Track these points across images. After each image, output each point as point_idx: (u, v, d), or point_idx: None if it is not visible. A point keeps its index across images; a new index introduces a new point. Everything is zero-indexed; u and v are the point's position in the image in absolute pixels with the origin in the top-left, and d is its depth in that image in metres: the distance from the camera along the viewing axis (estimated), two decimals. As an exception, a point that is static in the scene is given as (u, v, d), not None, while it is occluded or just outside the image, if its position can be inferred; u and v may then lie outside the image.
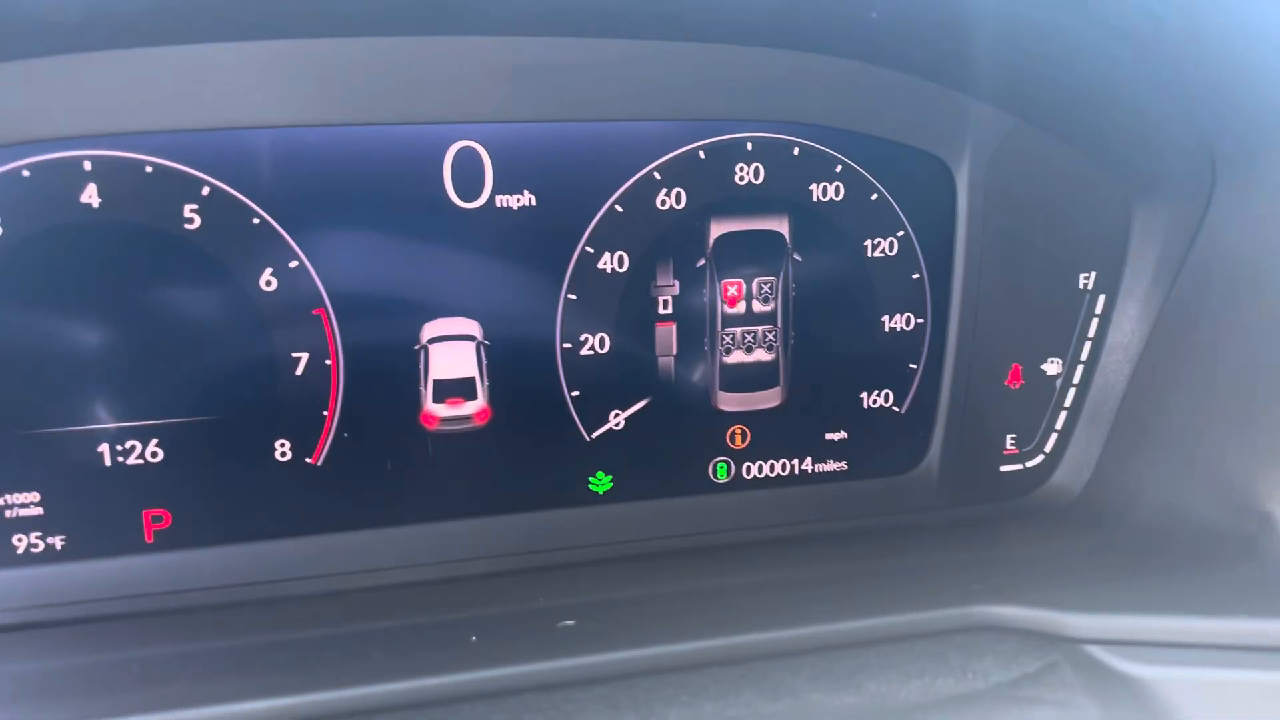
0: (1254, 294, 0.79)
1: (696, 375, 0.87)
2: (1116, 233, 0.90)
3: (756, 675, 0.66)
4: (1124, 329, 0.91)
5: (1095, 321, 0.92)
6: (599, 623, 0.70)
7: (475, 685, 0.62)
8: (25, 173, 0.72)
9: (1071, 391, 0.93)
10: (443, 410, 0.82)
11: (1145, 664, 0.66)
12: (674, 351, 0.86)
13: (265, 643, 0.70)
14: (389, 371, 0.80)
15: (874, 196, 0.87)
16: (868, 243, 0.88)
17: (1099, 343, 0.92)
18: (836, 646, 0.67)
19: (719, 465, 0.89)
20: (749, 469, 0.90)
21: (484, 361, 0.82)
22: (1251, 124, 0.76)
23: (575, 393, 0.84)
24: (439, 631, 0.71)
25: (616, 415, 0.86)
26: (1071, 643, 0.68)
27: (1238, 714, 0.65)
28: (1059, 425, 0.93)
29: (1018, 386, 0.92)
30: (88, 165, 0.73)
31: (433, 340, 0.81)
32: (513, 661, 0.64)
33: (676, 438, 0.88)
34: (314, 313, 0.78)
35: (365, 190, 0.77)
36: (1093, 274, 0.91)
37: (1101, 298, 0.91)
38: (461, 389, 0.82)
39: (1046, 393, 0.93)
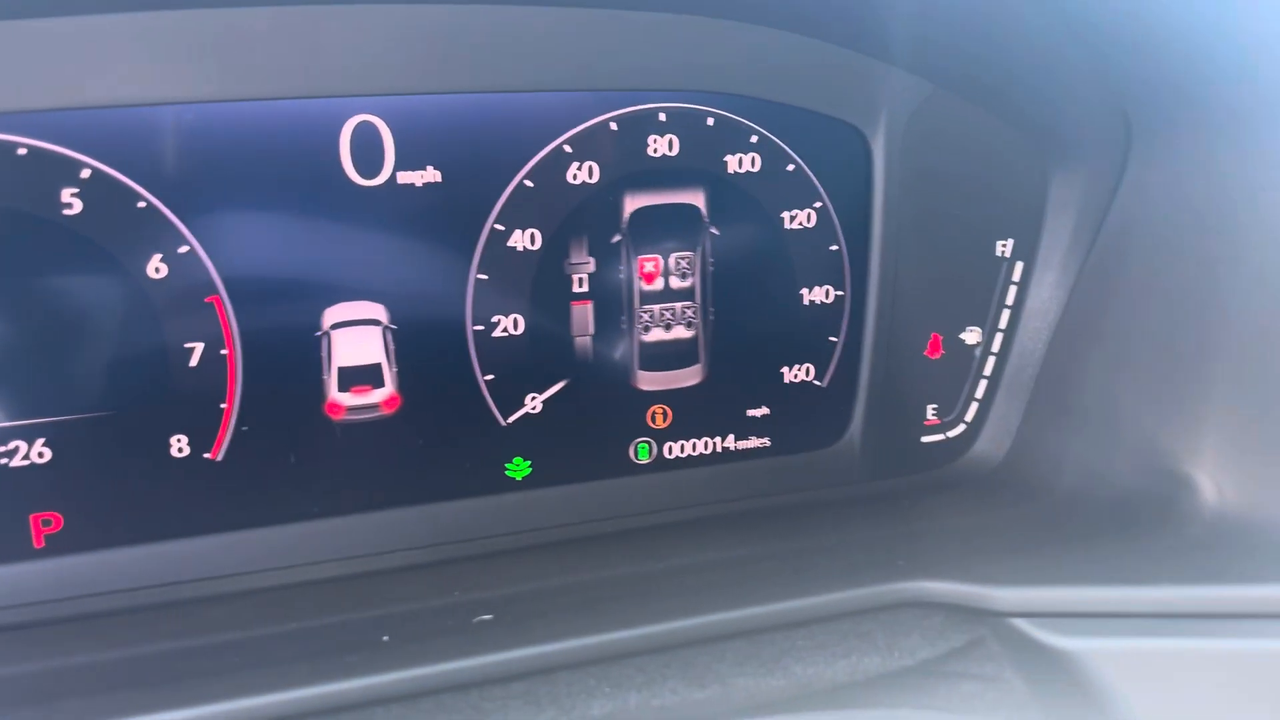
0: (1170, 257, 0.79)
1: (615, 354, 0.85)
2: (1033, 199, 0.90)
3: (681, 663, 0.64)
4: (1042, 296, 0.91)
5: (1013, 289, 0.91)
6: (517, 615, 0.68)
7: (388, 688, 0.60)
8: (-117, 157, 0.67)
9: (991, 360, 0.93)
10: (348, 399, 0.78)
11: (1070, 636, 0.66)
12: (591, 331, 0.84)
13: (164, 650, 0.67)
14: (289, 360, 0.76)
15: (790, 167, 0.85)
16: (785, 214, 0.86)
17: (1017, 310, 0.91)
18: (761, 630, 0.66)
19: (640, 446, 0.87)
20: (671, 449, 0.88)
21: (391, 347, 0.79)
22: (1165, 86, 0.76)
23: (489, 376, 0.81)
24: (349, 631, 0.68)
25: (533, 398, 0.83)
26: (997, 616, 0.68)
27: (1164, 682, 0.65)
28: (979, 394, 0.93)
29: (938, 356, 0.92)
30: (-48, 148, 0.68)
31: (335, 326, 0.77)
32: (427, 661, 0.61)
33: (596, 419, 0.85)
34: (207, 300, 0.74)
35: (257, 169, 0.73)
36: (1010, 241, 0.90)
37: (1019, 265, 0.91)
38: (367, 376, 0.78)
39: (966, 362, 0.92)
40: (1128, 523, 0.76)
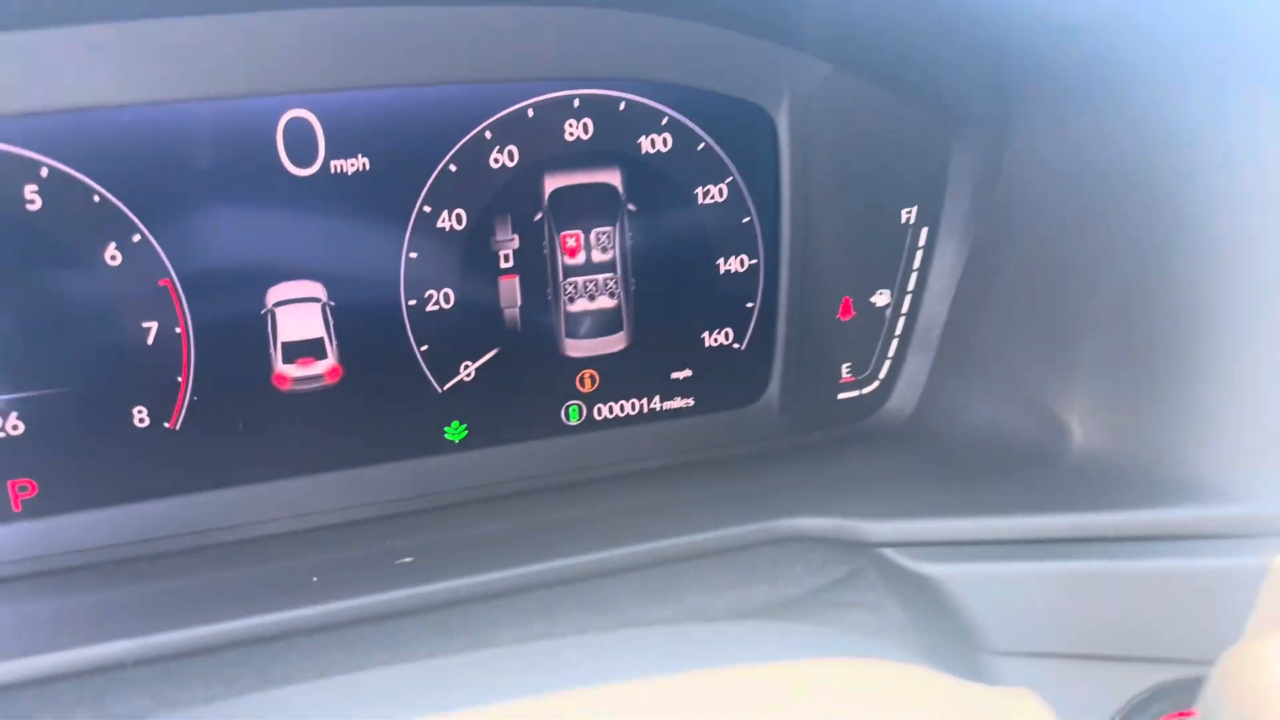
0: (1049, 222, 0.85)
1: (543, 324, 0.91)
2: (935, 168, 0.95)
3: (581, 594, 0.71)
4: (946, 259, 0.96)
5: (919, 254, 0.97)
6: (436, 559, 0.75)
7: (310, 620, 0.67)
8: None
9: (901, 320, 0.98)
10: (294, 371, 0.86)
11: (935, 563, 0.73)
12: (519, 302, 0.90)
13: (124, 596, 0.75)
14: (238, 336, 0.84)
15: (700, 146, 0.92)
16: (698, 190, 0.92)
17: (923, 273, 0.97)
18: (654, 564, 0.73)
19: (571, 408, 0.94)
20: (600, 410, 0.95)
21: (331, 322, 0.86)
22: (1039, 65, 0.80)
23: (424, 347, 0.88)
24: (287, 577, 0.75)
25: (466, 366, 0.90)
26: (871, 547, 0.74)
27: (1019, 601, 0.72)
28: (891, 353, 0.99)
29: (850, 318, 0.98)
30: (-78, 152, 0.75)
31: (278, 304, 0.84)
32: (347, 596, 0.68)
33: (527, 385, 0.92)
34: (160, 284, 0.81)
35: (201, 163, 0.81)
36: (914, 208, 0.96)
37: (924, 230, 0.96)
38: (310, 349, 0.86)
39: (877, 323, 0.98)
40: (1006, 464, 0.82)
